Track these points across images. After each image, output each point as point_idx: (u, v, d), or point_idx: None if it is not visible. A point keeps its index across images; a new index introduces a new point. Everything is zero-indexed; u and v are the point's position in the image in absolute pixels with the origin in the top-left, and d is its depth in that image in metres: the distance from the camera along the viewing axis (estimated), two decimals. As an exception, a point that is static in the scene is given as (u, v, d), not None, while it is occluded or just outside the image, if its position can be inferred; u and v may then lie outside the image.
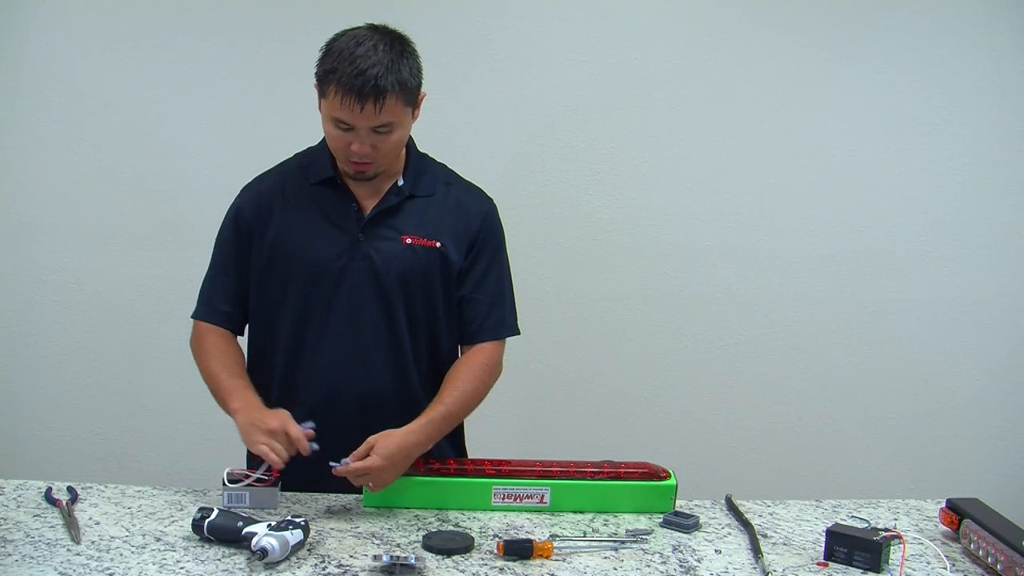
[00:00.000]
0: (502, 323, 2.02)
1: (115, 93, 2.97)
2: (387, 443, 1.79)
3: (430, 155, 2.05)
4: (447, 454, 2.02)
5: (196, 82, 2.97)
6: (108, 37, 2.95)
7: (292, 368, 1.96)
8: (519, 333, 2.06)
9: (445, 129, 2.88)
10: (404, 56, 1.82)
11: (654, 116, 3.05)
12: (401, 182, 1.96)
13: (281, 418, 1.80)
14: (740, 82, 3.04)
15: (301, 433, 1.79)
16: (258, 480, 1.81)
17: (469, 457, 2.09)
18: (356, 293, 1.92)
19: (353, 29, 1.84)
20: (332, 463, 1.77)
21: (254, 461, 1.94)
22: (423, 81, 1.88)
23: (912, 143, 3.10)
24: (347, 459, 1.78)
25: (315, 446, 1.80)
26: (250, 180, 2.02)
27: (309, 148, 2.01)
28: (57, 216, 3.01)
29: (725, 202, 3.09)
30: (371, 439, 1.79)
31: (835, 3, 3.03)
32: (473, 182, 2.06)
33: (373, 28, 1.84)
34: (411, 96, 1.83)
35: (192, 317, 2.02)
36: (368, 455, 1.77)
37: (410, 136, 1.98)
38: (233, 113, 2.98)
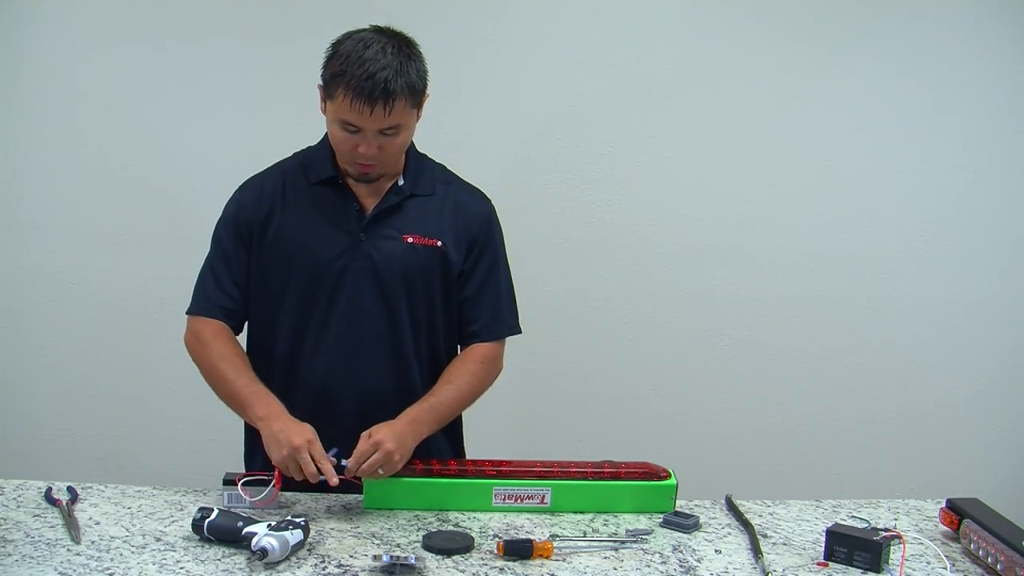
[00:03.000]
0: (502, 323, 2.03)
1: (115, 93, 2.97)
2: (385, 428, 1.79)
3: (429, 155, 2.05)
4: (445, 454, 2.02)
5: (196, 82, 2.97)
6: (109, 37, 2.95)
7: (292, 366, 1.96)
8: (520, 332, 2.06)
9: (446, 129, 2.87)
10: (411, 59, 1.82)
11: (654, 116, 3.05)
12: (401, 181, 1.96)
13: (305, 434, 1.77)
14: (740, 82, 3.05)
15: (326, 456, 1.76)
16: (262, 482, 1.80)
17: (467, 457, 2.09)
18: (357, 292, 1.92)
19: (358, 31, 1.84)
20: (343, 462, 1.77)
21: (255, 465, 1.94)
22: (431, 84, 1.88)
23: (912, 143, 3.10)
24: (346, 461, 1.77)
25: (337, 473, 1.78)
26: (248, 178, 2.02)
27: (308, 148, 2.01)
28: (57, 216, 3.01)
29: (725, 202, 3.09)
30: (370, 432, 1.78)
31: (835, 4, 3.03)
32: (472, 183, 2.07)
33: (379, 31, 1.84)
34: (417, 98, 1.85)
35: (188, 313, 1.99)
36: (373, 449, 1.76)
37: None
38: (233, 113, 2.98)
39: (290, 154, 2.04)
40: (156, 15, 2.94)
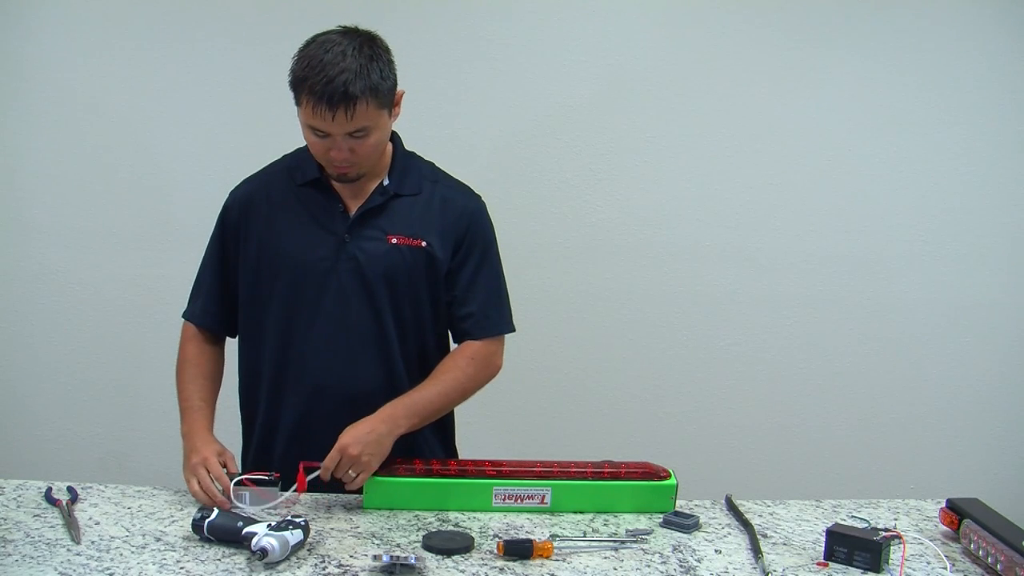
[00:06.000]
0: (493, 321, 2.02)
1: (114, 94, 2.97)
2: (353, 430, 1.81)
3: (422, 154, 2.04)
4: (437, 454, 2.01)
5: (194, 83, 2.97)
6: (107, 39, 2.95)
7: (280, 368, 1.96)
8: (513, 330, 2.05)
9: (444, 128, 2.88)
10: (374, 59, 1.79)
11: (653, 116, 3.05)
12: (386, 181, 1.96)
13: (202, 453, 1.83)
14: (740, 82, 3.05)
15: (221, 472, 1.80)
16: (259, 481, 1.80)
17: (460, 457, 2.09)
18: (342, 293, 1.92)
19: (324, 34, 1.83)
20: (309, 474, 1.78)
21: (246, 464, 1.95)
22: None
23: (912, 143, 3.10)
24: (316, 470, 1.79)
25: (242, 506, 1.80)
26: (240, 181, 2.03)
27: (297, 149, 2.01)
28: (57, 216, 3.01)
29: (725, 202, 3.09)
30: (340, 436, 1.80)
31: (836, 3, 3.03)
32: (471, 183, 2.05)
33: (343, 32, 1.83)
34: (385, 98, 1.82)
35: (182, 316, 2.05)
36: (339, 455, 1.78)
37: (396, 135, 1.99)
38: (231, 114, 2.98)
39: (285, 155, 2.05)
40: (155, 17, 2.94)
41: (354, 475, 1.79)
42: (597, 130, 3.04)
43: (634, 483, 1.88)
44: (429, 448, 1.99)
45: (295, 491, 1.80)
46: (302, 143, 2.01)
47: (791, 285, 3.13)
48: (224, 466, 1.82)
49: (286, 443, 1.95)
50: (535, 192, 3.05)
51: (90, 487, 1.87)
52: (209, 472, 1.79)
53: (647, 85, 3.04)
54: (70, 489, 1.84)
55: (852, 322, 3.15)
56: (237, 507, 1.78)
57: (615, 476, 1.88)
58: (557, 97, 3.03)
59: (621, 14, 3.01)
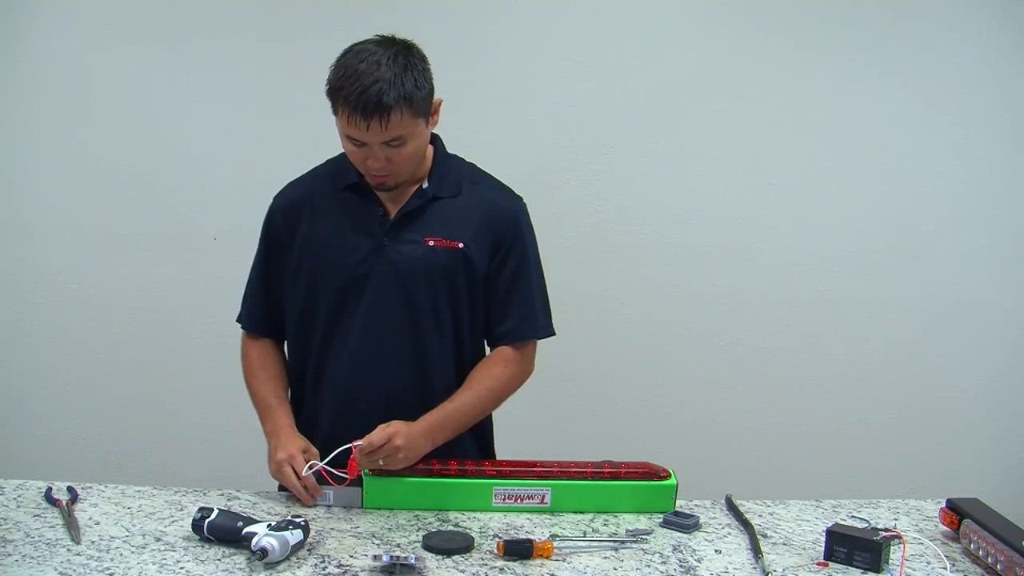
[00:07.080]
0: (530, 324, 2.01)
1: (117, 92, 2.97)
2: (404, 427, 1.82)
3: (459, 156, 2.04)
4: (472, 455, 2.00)
5: (200, 82, 2.97)
6: (111, 36, 2.95)
7: (320, 369, 1.98)
8: (554, 334, 2.04)
9: (442, 128, 2.87)
10: (409, 68, 1.80)
11: (654, 116, 3.05)
12: (426, 185, 1.96)
13: (288, 449, 1.84)
14: (741, 84, 3.05)
15: (304, 470, 1.81)
16: (338, 478, 1.82)
17: (497, 458, 2.08)
18: (379, 297, 1.93)
19: (360, 43, 1.83)
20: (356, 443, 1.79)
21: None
22: (435, 88, 1.86)
23: (912, 143, 3.10)
24: (360, 441, 1.78)
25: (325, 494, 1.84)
26: (284, 185, 2.04)
27: (340, 154, 2.00)
28: (57, 216, 3.01)
29: (726, 202, 3.09)
30: (389, 423, 1.81)
31: (837, 6, 3.03)
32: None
33: (379, 41, 1.83)
34: (420, 107, 1.82)
35: (236, 321, 2.07)
36: (385, 438, 1.79)
37: (437, 137, 1.99)
38: (237, 113, 2.97)
39: (299, 156, 2.06)
40: (156, 16, 2.94)
41: (380, 463, 1.80)
42: (597, 130, 3.04)
43: (634, 483, 1.88)
44: (463, 449, 1.97)
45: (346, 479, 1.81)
46: (317, 145, 2.02)
47: (791, 285, 3.13)
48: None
49: (324, 443, 1.94)
50: (535, 192, 3.03)
51: (90, 487, 1.87)
52: (295, 470, 1.81)
53: (647, 85, 3.04)
54: (70, 489, 1.84)
55: (852, 322, 3.15)
56: (320, 504, 1.82)
57: (615, 476, 1.88)
58: (557, 97, 3.03)
59: (621, 15, 3.02)
